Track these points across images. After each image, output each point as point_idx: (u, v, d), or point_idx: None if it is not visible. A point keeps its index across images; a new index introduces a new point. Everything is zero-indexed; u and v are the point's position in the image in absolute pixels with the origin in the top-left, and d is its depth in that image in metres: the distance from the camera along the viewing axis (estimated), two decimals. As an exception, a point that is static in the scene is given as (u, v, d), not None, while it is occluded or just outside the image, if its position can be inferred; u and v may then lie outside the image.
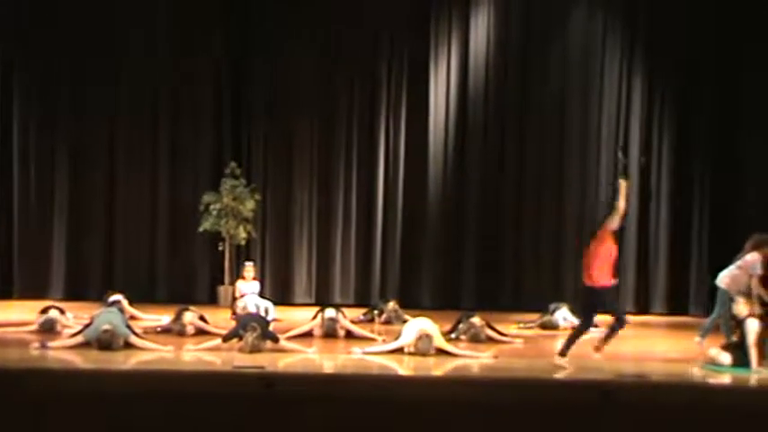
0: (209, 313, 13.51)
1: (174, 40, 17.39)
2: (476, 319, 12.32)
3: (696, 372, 10.12)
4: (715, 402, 8.78)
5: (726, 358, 10.27)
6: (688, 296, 17.29)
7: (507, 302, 17.04)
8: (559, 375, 10.24)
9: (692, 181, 17.40)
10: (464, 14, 17.59)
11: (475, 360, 10.77)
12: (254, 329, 10.72)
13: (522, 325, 14.16)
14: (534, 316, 14.51)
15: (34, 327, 12.21)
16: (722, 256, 16.95)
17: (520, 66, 17.52)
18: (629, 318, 16.23)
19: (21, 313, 14.06)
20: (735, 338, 10.60)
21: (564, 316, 14.14)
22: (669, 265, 17.39)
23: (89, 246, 17.33)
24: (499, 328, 12.67)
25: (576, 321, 14.03)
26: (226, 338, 11.01)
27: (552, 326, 13.95)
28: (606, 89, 17.52)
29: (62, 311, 12.65)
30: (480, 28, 17.55)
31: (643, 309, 17.22)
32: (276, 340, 10.94)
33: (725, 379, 9.82)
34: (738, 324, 10.44)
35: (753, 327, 10.22)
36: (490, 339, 12.20)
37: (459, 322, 12.53)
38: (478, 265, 17.43)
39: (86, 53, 17.16)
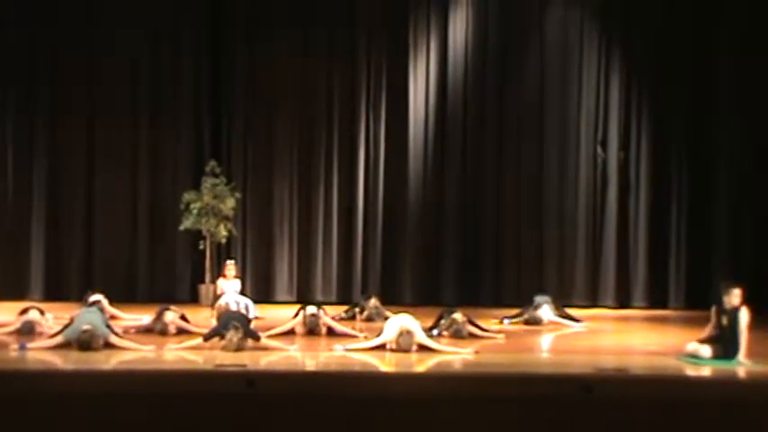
0: (190, 312, 13.47)
1: (153, 38, 17.34)
2: (457, 315, 12.32)
3: (676, 365, 10.15)
4: (695, 396, 8.85)
5: (706, 351, 10.31)
6: (668, 290, 17.35)
7: (488, 298, 17.09)
8: (540, 370, 10.28)
9: (670, 175, 17.45)
10: (442, 12, 17.59)
11: (457, 356, 10.76)
12: (236, 328, 10.70)
13: (510, 320, 14.15)
14: (515, 311, 14.53)
15: (13, 328, 12.13)
16: (701, 250, 17.19)
17: (498, 63, 17.55)
18: (610, 312, 16.51)
19: (0, 314, 13.98)
20: (712, 331, 10.60)
21: (548, 312, 14.14)
22: (648, 259, 17.44)
23: (68, 246, 17.26)
24: (480, 323, 12.67)
25: (556, 318, 14.13)
26: (207, 337, 10.98)
27: (536, 321, 13.95)
28: (584, 85, 17.57)
29: (42, 312, 12.56)
30: (459, 26, 17.57)
31: (623, 303, 17.28)
32: (258, 338, 10.92)
33: (705, 372, 9.85)
34: (727, 314, 10.42)
35: (745, 316, 10.25)
36: (472, 335, 12.19)
37: (440, 318, 12.53)
38: (459, 262, 17.46)
39: (64, 52, 17.10)
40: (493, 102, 17.55)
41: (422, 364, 10.27)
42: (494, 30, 17.56)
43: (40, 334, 11.80)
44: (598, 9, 17.63)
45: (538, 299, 14.45)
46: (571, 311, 14.76)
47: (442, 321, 12.43)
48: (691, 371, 9.89)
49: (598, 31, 17.61)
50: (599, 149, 17.48)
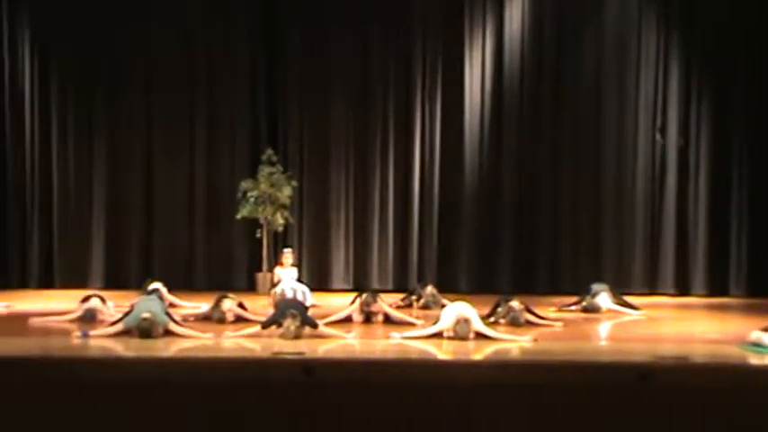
0: (247, 300, 13.55)
1: (210, 27, 17.44)
2: (515, 303, 12.26)
3: (738, 354, 10.01)
4: (758, 385, 8.72)
5: (769, 339, 10.16)
6: (728, 277, 17.15)
7: (544, 286, 17.01)
8: (599, 358, 10.20)
9: (730, 161, 17.24)
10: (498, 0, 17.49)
11: (514, 343, 10.73)
12: (294, 316, 10.74)
13: (568, 307, 14.10)
14: (572, 299, 14.45)
15: (75, 316, 12.30)
16: (762, 236, 16.96)
17: (555, 50, 17.40)
18: (669, 300, 16.35)
19: (62, 302, 14.17)
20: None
21: (605, 299, 14.03)
22: (708, 247, 17.25)
23: (128, 235, 17.47)
24: (537, 311, 12.61)
25: (614, 306, 14.02)
26: (265, 325, 11.03)
27: (594, 309, 13.86)
28: (643, 71, 17.36)
29: (103, 300, 12.72)
30: (515, 12, 17.43)
31: (682, 291, 17.12)
32: (315, 326, 10.95)
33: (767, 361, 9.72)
34: None
35: None
36: (529, 323, 12.14)
37: (497, 306, 12.48)
38: (515, 249, 17.38)
39: (121, 42, 17.25)
40: (549, 89, 17.42)
41: (479, 352, 10.24)
42: (550, 16, 17.41)
43: (102, 322, 11.93)
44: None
45: (595, 287, 14.33)
46: (629, 299, 14.63)
47: (499, 309, 12.38)
48: (754, 360, 9.75)
49: (657, 16, 17.40)
50: (658, 136, 17.29)
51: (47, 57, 17.37)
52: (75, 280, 16.99)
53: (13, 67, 17.33)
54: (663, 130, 17.30)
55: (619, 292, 14.68)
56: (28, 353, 9.65)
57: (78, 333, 10.96)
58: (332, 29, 17.45)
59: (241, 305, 12.74)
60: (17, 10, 17.30)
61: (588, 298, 14.06)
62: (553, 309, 13.92)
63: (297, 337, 10.57)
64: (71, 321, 12.10)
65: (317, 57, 17.47)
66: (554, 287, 16.83)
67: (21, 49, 17.36)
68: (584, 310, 13.92)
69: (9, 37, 17.31)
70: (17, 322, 12.52)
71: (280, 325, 10.76)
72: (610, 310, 13.91)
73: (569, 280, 16.83)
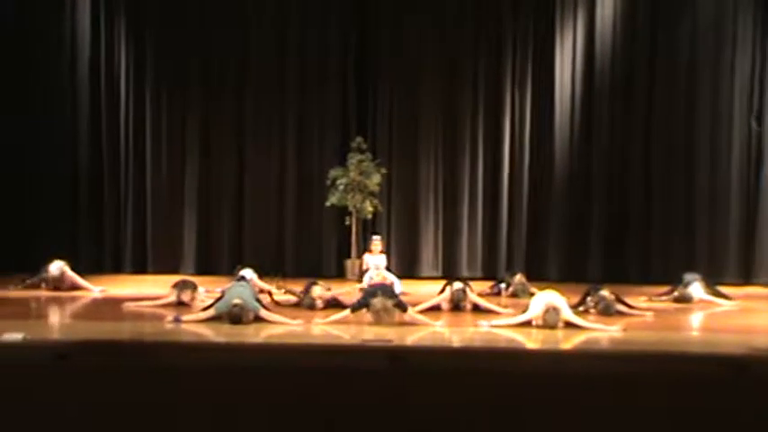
0: (336, 287, 13.67)
1: (300, 13, 17.53)
2: (605, 292, 12.15)
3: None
4: None
5: None
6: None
7: (635, 275, 16.78)
8: (691, 349, 10.06)
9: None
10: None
11: (604, 333, 10.64)
12: (383, 299, 10.78)
13: (661, 296, 13.93)
14: (663, 288, 14.26)
15: (168, 300, 12.49)
16: None
17: (648, 33, 17.11)
18: (764, 290, 16.01)
19: (155, 287, 14.41)
20: None
21: (698, 289, 13.82)
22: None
23: (219, 221, 17.68)
24: (628, 300, 12.48)
25: (707, 296, 13.80)
26: (354, 308, 11.10)
27: (686, 299, 13.66)
28: (738, 56, 16.97)
29: (195, 286, 12.91)
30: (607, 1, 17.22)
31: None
32: (405, 309, 10.99)
33: None
34: None
35: None
36: (619, 312, 12.02)
37: (586, 295, 12.39)
38: (606, 238, 17.19)
39: (215, 26, 17.45)
40: (642, 75, 17.14)
41: (568, 342, 10.18)
42: (642, 6, 17.11)
43: (193, 307, 12.11)
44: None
45: (688, 276, 14.13)
46: (723, 289, 14.40)
47: (589, 298, 12.29)
48: None
49: (753, 2, 17.01)
50: (753, 123, 16.91)
51: (142, 55, 17.63)
52: (167, 265, 17.28)
53: (109, 56, 17.64)
54: (759, 117, 16.93)
55: (712, 281, 14.46)
56: (121, 337, 9.83)
57: (170, 318, 11.14)
58: (421, 17, 17.40)
59: (329, 291, 12.87)
60: (114, 12, 17.58)
61: (680, 287, 13.88)
62: (644, 298, 13.76)
63: (387, 316, 10.60)
64: (163, 306, 12.30)
65: (407, 45, 17.45)
66: (645, 276, 16.62)
67: (117, 44, 17.65)
68: (676, 300, 13.75)
69: (106, 36, 17.60)
70: (111, 306, 12.78)
71: (368, 308, 10.82)
72: (702, 301, 13.70)
73: (660, 269, 16.60)
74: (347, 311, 11.16)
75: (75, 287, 14.28)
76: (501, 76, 17.43)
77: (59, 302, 13.37)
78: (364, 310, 10.98)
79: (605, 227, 17.19)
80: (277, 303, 12.62)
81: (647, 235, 17.16)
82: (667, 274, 15.34)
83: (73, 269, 14.47)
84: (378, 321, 10.68)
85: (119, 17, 17.58)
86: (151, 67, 17.63)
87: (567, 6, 17.26)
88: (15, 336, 9.02)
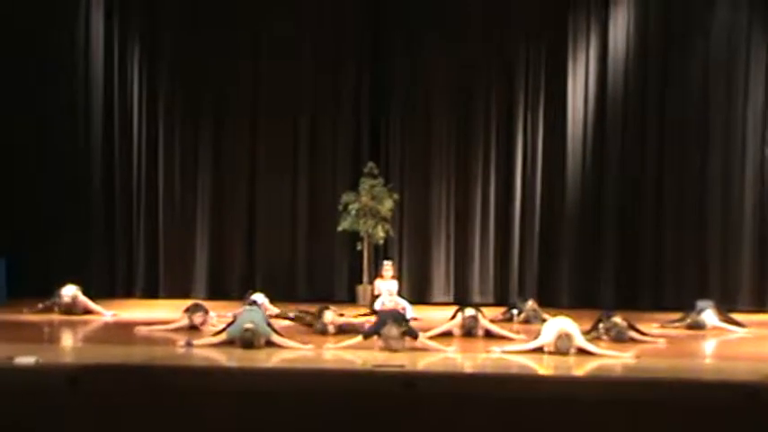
0: (347, 312, 13.67)
1: (314, 40, 17.58)
2: (617, 319, 12.12)
3: None
4: None
5: None
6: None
7: (647, 302, 16.68)
8: (703, 376, 10.02)
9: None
10: (602, 12, 17.21)
11: (617, 360, 10.60)
12: (394, 326, 10.78)
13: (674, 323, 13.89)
14: (675, 315, 14.23)
15: (179, 325, 12.50)
16: None
17: (660, 57, 17.06)
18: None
19: (167, 312, 14.43)
20: None
21: (711, 316, 13.78)
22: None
23: (231, 246, 17.67)
24: (640, 327, 12.44)
25: (720, 323, 13.75)
26: (366, 335, 11.09)
27: (699, 326, 13.61)
28: (751, 85, 16.89)
29: (206, 310, 12.92)
30: (620, 18, 17.17)
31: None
32: (416, 336, 10.98)
33: None
34: None
35: None
36: (632, 339, 11.99)
37: (598, 321, 12.35)
38: (618, 264, 17.11)
39: (229, 53, 17.49)
40: (654, 102, 17.09)
41: (581, 368, 10.15)
42: (655, 22, 17.07)
43: (205, 332, 12.11)
44: (765, 9, 17.00)
45: (700, 303, 14.09)
46: (736, 316, 14.34)
47: (601, 325, 12.25)
48: None
49: (765, 31, 17.00)
50: (766, 151, 16.90)
51: (156, 81, 17.69)
52: (178, 290, 17.27)
53: (122, 82, 17.69)
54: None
55: (725, 308, 14.42)
56: (133, 361, 9.83)
57: (182, 342, 11.15)
58: (433, 43, 17.41)
59: (342, 317, 12.86)
60: (128, 38, 17.66)
61: (693, 314, 13.84)
62: (656, 325, 13.72)
63: (398, 345, 10.60)
64: (175, 331, 12.31)
65: (418, 70, 17.46)
66: (657, 303, 16.55)
67: (130, 63, 17.71)
68: (689, 327, 13.70)
69: (119, 48, 17.69)
70: (123, 331, 12.79)
71: (380, 336, 10.81)
72: (715, 328, 13.66)
73: (673, 296, 16.54)
74: (359, 338, 11.16)
75: (88, 311, 14.32)
76: (513, 102, 17.42)
77: (72, 326, 13.38)
78: (375, 337, 10.97)
79: (617, 253, 17.13)
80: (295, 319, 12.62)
81: (659, 262, 17.09)
82: (680, 301, 15.29)
83: (85, 293, 14.52)
84: (388, 348, 10.67)
85: (132, 43, 17.63)
86: (164, 94, 17.66)
87: (579, 35, 17.26)
88: (28, 359, 9.06)
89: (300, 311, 13.95)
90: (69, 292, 14.31)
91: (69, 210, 17.39)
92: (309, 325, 12.85)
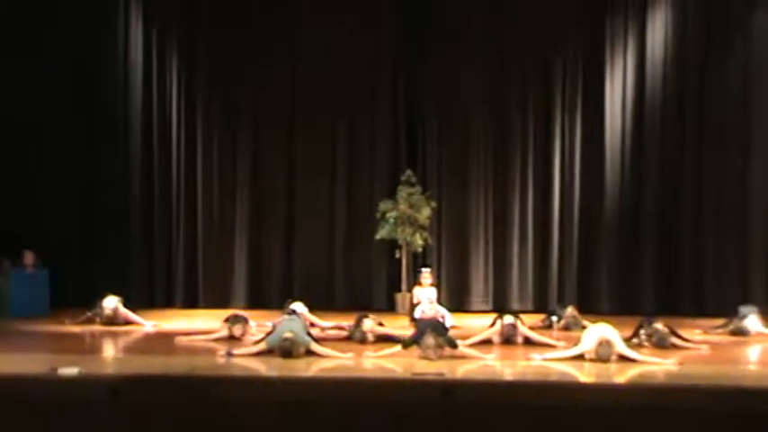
0: (387, 320, 13.64)
1: (350, 48, 17.63)
2: (658, 325, 12.03)
3: None
4: None
5: None
6: None
7: (689, 308, 16.56)
8: (747, 383, 9.92)
9: None
10: (640, 15, 17.17)
11: (659, 366, 10.52)
12: (434, 336, 10.75)
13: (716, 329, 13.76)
14: (717, 321, 14.10)
15: (220, 335, 12.54)
16: None
17: (699, 61, 16.98)
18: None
19: (207, 321, 14.49)
20: None
21: (755, 322, 13.63)
22: None
23: (270, 255, 17.73)
24: (683, 333, 12.33)
25: (764, 329, 13.60)
26: (406, 345, 11.07)
27: (742, 332, 13.47)
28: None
29: (246, 320, 12.94)
30: (658, 22, 17.10)
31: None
32: (455, 346, 10.94)
33: None
34: None
35: None
36: (674, 346, 11.88)
37: (639, 328, 12.27)
38: (658, 270, 17.01)
39: (266, 63, 17.59)
40: (693, 105, 16.99)
41: (622, 375, 10.08)
42: (694, 25, 17.00)
43: (245, 341, 12.14)
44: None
45: (743, 309, 13.93)
46: (780, 322, 14.21)
47: (642, 331, 12.16)
48: None
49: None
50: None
51: (194, 90, 17.83)
52: (218, 300, 17.36)
53: (161, 91, 17.83)
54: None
55: (768, 314, 14.27)
56: (174, 371, 9.87)
57: (222, 352, 11.18)
58: (469, 47, 17.42)
59: (381, 325, 12.84)
60: (167, 31, 17.81)
61: (736, 320, 13.71)
62: (699, 331, 13.60)
63: (437, 356, 10.58)
64: (215, 341, 12.35)
65: (456, 78, 17.46)
66: (699, 309, 16.42)
67: (168, 72, 17.86)
68: (732, 332, 13.58)
69: (157, 57, 17.83)
70: (164, 341, 12.85)
71: (420, 345, 10.79)
72: (759, 334, 13.50)
73: (714, 301, 16.40)
74: (398, 347, 11.13)
75: (129, 322, 14.39)
76: (551, 108, 17.39)
77: (113, 337, 13.46)
78: (414, 347, 10.95)
79: (657, 259, 17.02)
80: (327, 337, 12.62)
81: (700, 267, 16.97)
82: (722, 307, 15.14)
83: (125, 304, 14.59)
84: (427, 358, 10.64)
85: (170, 51, 17.78)
86: (202, 102, 17.80)
87: (616, 38, 17.20)
88: (71, 370, 9.13)
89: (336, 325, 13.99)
90: (111, 303, 14.39)
91: (110, 221, 17.53)
92: (348, 336, 12.83)
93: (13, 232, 16.68)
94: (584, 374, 10.12)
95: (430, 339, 10.70)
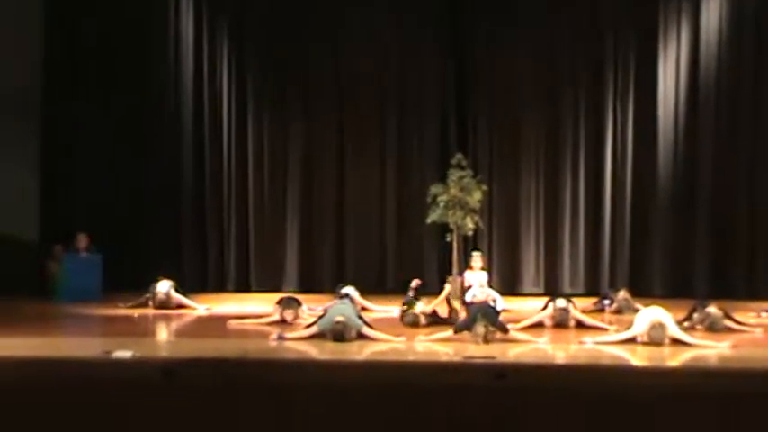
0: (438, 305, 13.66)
1: (399, 31, 17.63)
2: (712, 308, 11.92)
3: None
4: None
5: None
6: None
7: (742, 290, 16.39)
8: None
9: None
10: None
11: (712, 350, 10.43)
12: (485, 321, 10.74)
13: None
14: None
15: (272, 318, 12.60)
16: None
17: (754, 49, 16.72)
18: None
19: (259, 305, 14.58)
20: None
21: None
22: None
23: (321, 239, 17.79)
24: (736, 316, 12.21)
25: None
26: (457, 330, 11.06)
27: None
28: None
29: (299, 303, 12.99)
30: (712, 9, 16.82)
31: None
32: (506, 331, 10.93)
33: None
34: None
35: None
36: (728, 329, 11.77)
37: (693, 311, 12.17)
38: (711, 253, 16.82)
39: (316, 51, 17.66)
40: (748, 89, 16.74)
41: (675, 359, 10.01)
42: (749, 13, 16.74)
43: (297, 325, 12.19)
44: None
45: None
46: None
47: (695, 314, 12.07)
48: None
49: None
50: None
51: (244, 76, 17.90)
52: (270, 283, 17.46)
53: (211, 75, 17.93)
54: None
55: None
56: (226, 354, 9.95)
57: (274, 335, 11.24)
58: (520, 31, 17.32)
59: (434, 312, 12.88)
60: (217, 23, 17.91)
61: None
62: (753, 314, 13.46)
63: (487, 341, 10.57)
64: (268, 324, 12.41)
65: (506, 61, 17.37)
66: (751, 292, 16.25)
67: (219, 61, 17.95)
68: (786, 315, 13.43)
69: (208, 47, 17.94)
70: (216, 324, 12.95)
71: (471, 330, 10.78)
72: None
73: (768, 284, 16.24)
74: (450, 332, 11.12)
75: (181, 306, 14.53)
76: (602, 89, 17.24)
77: (166, 321, 13.59)
78: (466, 332, 10.94)
79: (711, 242, 16.83)
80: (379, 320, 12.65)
81: (754, 249, 16.77)
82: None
83: (177, 288, 14.71)
84: (477, 343, 10.62)
85: (221, 42, 17.88)
86: (252, 87, 17.88)
87: (670, 20, 16.99)
88: (125, 353, 9.24)
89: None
90: (164, 288, 14.52)
91: (162, 206, 17.68)
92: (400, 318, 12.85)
93: (66, 217, 16.93)
94: (637, 358, 10.07)
95: (480, 328, 10.68)
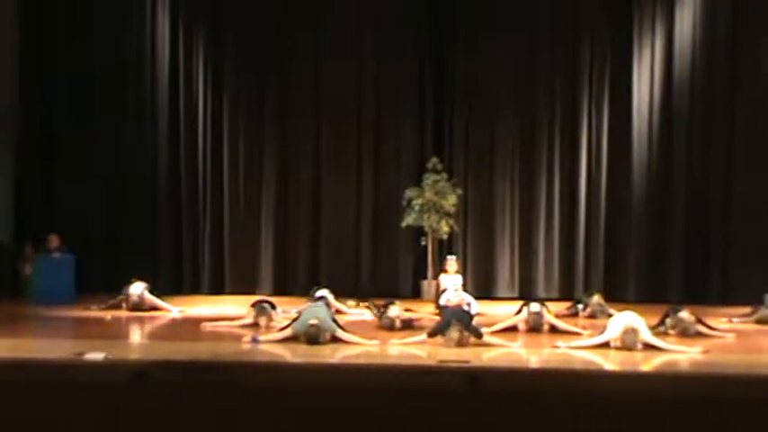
0: (413, 307, 13.67)
1: (377, 34, 17.62)
2: (684, 314, 11.98)
3: None
4: None
5: None
6: None
7: (715, 296, 16.46)
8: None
9: None
10: (668, 5, 17.00)
11: (684, 355, 10.48)
12: (458, 326, 10.74)
13: (740, 319, 13.68)
14: (744, 310, 14.02)
15: (246, 321, 12.57)
16: None
17: (727, 54, 16.79)
18: None
19: (233, 307, 14.55)
20: None
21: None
22: None
23: (296, 242, 17.77)
24: (709, 322, 12.28)
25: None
26: (431, 334, 11.06)
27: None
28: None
29: (273, 306, 12.97)
30: (686, 15, 16.90)
31: None
32: (480, 336, 10.92)
33: None
34: None
35: None
36: (700, 334, 11.83)
37: (666, 316, 12.21)
38: (685, 258, 16.90)
39: (291, 52, 17.64)
40: (722, 97, 16.80)
41: (647, 363, 10.04)
42: (722, 19, 16.83)
43: (271, 328, 12.17)
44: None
45: (769, 298, 13.90)
46: (806, 310, 14.09)
47: (668, 320, 12.12)
48: None
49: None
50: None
51: (220, 77, 17.87)
52: (244, 286, 17.42)
53: (187, 78, 17.90)
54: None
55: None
56: (199, 357, 9.92)
57: (248, 338, 11.22)
58: (497, 36, 17.36)
59: (408, 312, 12.89)
60: (193, 24, 17.89)
61: (762, 308, 13.64)
62: (724, 320, 13.54)
63: (461, 345, 10.58)
64: (242, 327, 12.38)
65: (482, 65, 17.40)
66: (725, 297, 16.30)
67: (195, 65, 17.92)
68: (758, 321, 13.50)
69: (184, 50, 17.91)
70: (190, 326, 12.91)
71: (444, 335, 10.78)
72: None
73: (741, 290, 16.24)
74: (423, 336, 11.11)
75: (155, 308, 14.46)
76: (577, 95, 17.31)
77: (139, 323, 13.54)
78: (440, 336, 10.93)
79: (684, 247, 16.91)
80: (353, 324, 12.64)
81: (727, 255, 16.84)
82: (748, 296, 15.01)
83: (152, 290, 14.66)
84: (450, 347, 10.61)
85: (197, 44, 17.86)
86: (228, 92, 17.84)
87: (644, 27, 17.06)
88: (97, 355, 9.19)
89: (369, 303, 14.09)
90: (137, 290, 14.45)
91: (136, 207, 17.61)
92: (379, 317, 12.87)
93: (40, 218, 16.84)
94: (610, 362, 10.10)
95: (455, 333, 10.68)
